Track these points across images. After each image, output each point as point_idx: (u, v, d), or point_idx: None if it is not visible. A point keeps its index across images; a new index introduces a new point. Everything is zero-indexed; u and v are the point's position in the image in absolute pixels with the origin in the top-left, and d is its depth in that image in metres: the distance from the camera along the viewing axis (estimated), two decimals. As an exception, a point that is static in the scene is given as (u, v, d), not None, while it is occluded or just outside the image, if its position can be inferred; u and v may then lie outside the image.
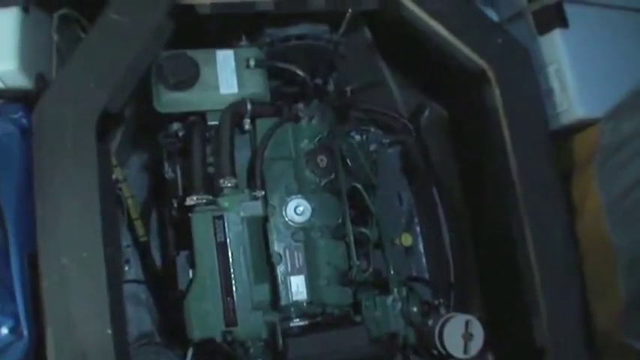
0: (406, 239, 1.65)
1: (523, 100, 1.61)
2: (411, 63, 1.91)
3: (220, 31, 1.71)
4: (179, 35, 1.60)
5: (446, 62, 1.68)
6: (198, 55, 1.52)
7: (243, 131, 1.54)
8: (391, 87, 2.00)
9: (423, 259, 2.05)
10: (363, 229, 1.56)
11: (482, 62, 1.61)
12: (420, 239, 2.07)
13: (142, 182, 1.96)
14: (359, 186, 1.56)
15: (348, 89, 1.80)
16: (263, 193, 1.45)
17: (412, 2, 1.59)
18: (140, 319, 1.89)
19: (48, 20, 1.57)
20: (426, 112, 1.99)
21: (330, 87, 1.86)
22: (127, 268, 1.78)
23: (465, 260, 1.90)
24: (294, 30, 1.67)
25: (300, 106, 1.54)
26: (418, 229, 2.07)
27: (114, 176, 1.67)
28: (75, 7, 1.63)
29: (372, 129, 1.91)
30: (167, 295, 1.78)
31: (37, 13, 1.52)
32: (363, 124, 1.89)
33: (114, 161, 1.67)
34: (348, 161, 1.63)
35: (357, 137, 1.80)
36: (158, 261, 1.89)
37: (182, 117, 1.57)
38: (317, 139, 1.55)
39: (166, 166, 1.66)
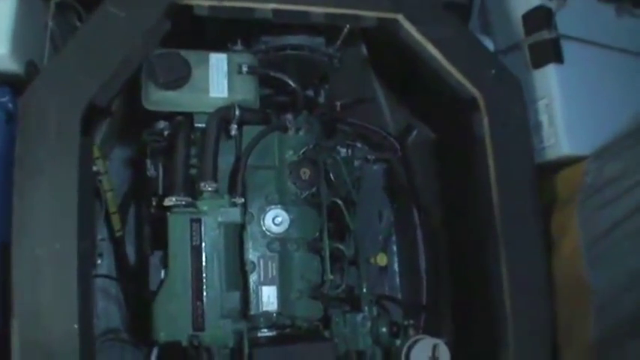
0: (382, 259, 1.66)
1: (511, 131, 1.63)
2: (403, 83, 1.93)
3: (216, 33, 1.73)
4: (175, 34, 1.62)
5: (438, 86, 1.70)
6: (191, 56, 1.52)
7: (229, 136, 1.54)
8: (382, 105, 2.03)
9: (397, 279, 2.09)
10: (340, 245, 1.57)
11: (474, 90, 1.63)
12: (395, 258, 2.11)
13: (123, 176, 1.97)
14: (339, 202, 1.57)
15: (338, 104, 1.82)
16: (243, 200, 1.46)
17: (410, 24, 1.61)
18: (108, 313, 1.90)
19: (44, 7, 1.57)
20: (414, 133, 2.02)
21: (321, 99, 1.88)
22: (99, 262, 1.77)
23: (439, 284, 1.93)
24: (290, 40, 1.68)
25: (289, 116, 1.56)
26: (395, 248, 2.12)
27: (95, 168, 1.67)
28: (72, -5, 1.63)
29: (359, 144, 1.93)
30: (137, 293, 1.78)
31: (35, -1, 1.53)
32: (349, 139, 1.91)
33: (97, 153, 1.68)
34: (332, 176, 1.64)
35: (343, 151, 1.82)
36: (132, 257, 1.90)
37: (169, 116, 1.58)
38: (302, 150, 1.56)
39: (148, 164, 1.67)
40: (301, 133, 1.57)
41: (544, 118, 1.69)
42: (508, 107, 1.64)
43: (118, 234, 1.83)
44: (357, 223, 1.65)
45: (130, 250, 1.90)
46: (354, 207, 1.68)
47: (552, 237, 1.65)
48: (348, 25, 1.66)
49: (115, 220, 1.80)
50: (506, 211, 1.58)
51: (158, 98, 1.50)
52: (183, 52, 1.52)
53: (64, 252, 1.31)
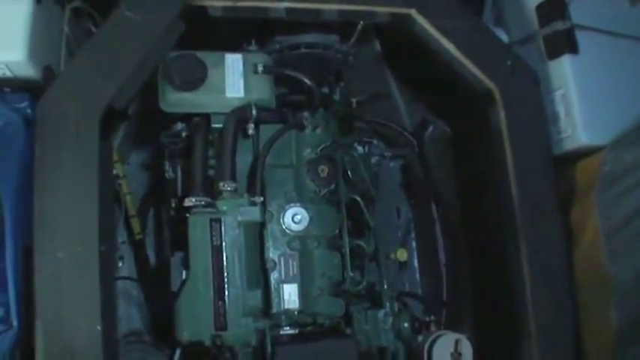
0: (402, 254, 1.65)
1: (528, 123, 1.61)
2: (418, 78, 1.92)
3: (231, 34, 1.72)
4: (190, 35, 1.61)
5: (453, 80, 1.68)
6: (206, 57, 1.52)
7: (246, 136, 1.54)
8: (397, 101, 2.01)
9: (417, 275, 2.07)
10: (360, 242, 1.56)
11: (489, 82, 1.61)
12: (415, 254, 2.09)
13: (141, 179, 1.96)
14: (358, 198, 1.56)
15: (354, 100, 1.80)
16: (262, 199, 1.45)
17: (424, 18, 1.59)
18: (130, 316, 1.89)
19: (60, 12, 1.58)
20: (430, 128, 2.00)
21: (336, 96, 1.87)
22: (120, 265, 1.77)
23: (459, 278, 1.91)
24: (304, 38, 1.68)
25: (305, 114, 1.55)
26: (414, 244, 2.10)
27: (114, 172, 1.68)
28: (87, 1, 1.63)
29: (375, 141, 1.92)
30: (159, 295, 1.78)
31: (50, 5, 1.53)
32: (366, 136, 1.90)
33: (115, 157, 1.68)
34: (349, 173, 1.63)
35: (360, 149, 1.81)
36: (152, 259, 1.90)
37: (186, 117, 1.58)
38: (320, 148, 1.55)
39: (167, 166, 1.67)
40: (318, 130, 1.57)
41: (561, 109, 1.67)
42: (524, 99, 1.62)
43: (137, 237, 1.83)
44: (376, 220, 1.64)
45: (151, 253, 1.91)
46: (373, 203, 1.66)
47: (572, 227, 1.62)
48: (361, 22, 1.65)
49: (135, 223, 1.81)
50: (525, 203, 1.56)
51: (175, 100, 1.50)
52: (199, 54, 1.52)
53: (86, 255, 1.31)
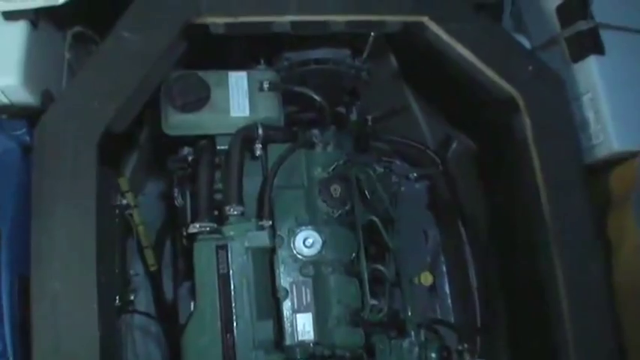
0: (426, 278, 1.51)
1: (555, 131, 1.47)
2: (437, 92, 1.79)
3: (239, 54, 1.63)
4: (198, 56, 1.53)
5: (473, 89, 1.56)
6: (210, 76, 1.43)
7: (255, 157, 1.43)
8: (417, 117, 1.89)
9: (449, 301, 1.92)
10: (379, 266, 1.42)
11: (511, 89, 1.48)
12: (445, 279, 1.94)
13: (158, 210, 1.87)
14: (376, 219, 1.43)
15: (369, 118, 1.69)
16: (270, 222, 1.34)
17: (437, 25, 1.47)
18: (149, 352, 1.78)
19: (61, 37, 1.52)
20: (454, 145, 1.86)
21: (354, 116, 1.76)
22: (131, 298, 1.67)
23: (492, 302, 1.75)
24: (313, 54, 1.58)
25: (315, 131, 1.44)
26: (444, 268, 1.95)
27: (125, 202, 1.59)
28: (90, 26, 1.57)
29: (397, 161, 1.79)
30: (175, 329, 1.67)
31: (50, 29, 1.47)
32: (387, 156, 1.78)
33: (126, 186, 1.60)
34: (367, 193, 1.50)
35: (379, 169, 1.68)
36: (171, 292, 1.79)
37: (193, 141, 1.48)
38: (332, 167, 1.43)
39: (176, 193, 1.57)
40: (329, 148, 1.45)
41: (590, 114, 1.52)
42: (550, 105, 1.48)
43: (152, 269, 1.73)
44: (398, 242, 1.50)
45: (169, 285, 1.80)
46: (393, 225, 1.53)
47: (610, 240, 1.46)
48: (372, 33, 1.55)
49: (149, 254, 1.71)
50: (558, 216, 1.41)
51: (177, 122, 1.41)
52: (201, 73, 1.43)
53: (83, 286, 1.22)
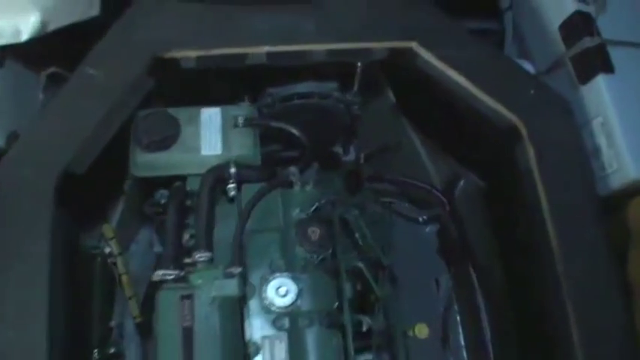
0: (421, 330, 1.31)
1: (563, 161, 1.28)
2: (438, 125, 1.63)
3: (224, 90, 1.52)
4: (181, 93, 1.44)
5: (473, 120, 1.40)
6: (180, 113, 1.31)
7: (231, 199, 1.29)
8: (420, 153, 1.72)
9: (464, 353, 1.70)
10: (365, 317, 1.24)
11: (511, 116, 1.31)
12: (459, 330, 1.73)
13: (150, 258, 1.74)
14: (361, 265, 1.25)
15: (362, 155, 1.53)
16: (240, 269, 1.18)
17: (427, 51, 1.33)
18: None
19: (34, 78, 1.44)
20: (461, 183, 1.69)
21: (351, 156, 1.61)
22: (112, 350, 1.52)
23: (509, 355, 1.53)
24: (297, 88, 1.44)
25: (293, 169, 1.29)
26: (458, 318, 1.74)
27: (108, 250, 1.47)
28: (67, 66, 1.48)
29: (404, 203, 1.62)
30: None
31: (19, 69, 1.39)
32: (390, 196, 1.62)
33: (110, 233, 1.47)
34: (357, 236, 1.34)
35: (376, 210, 1.52)
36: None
37: (168, 183, 1.35)
38: (312, 207, 1.27)
39: (154, 239, 1.44)
40: (309, 188, 1.29)
41: (601, 140, 1.33)
42: (556, 132, 1.30)
43: (137, 320, 1.58)
44: (389, 291, 1.32)
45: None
46: (384, 272, 1.35)
47: (631, 281, 1.24)
48: (359, 63, 1.41)
49: (133, 304, 1.57)
50: (570, 259, 1.21)
51: (145, 162, 1.29)
52: (172, 110, 1.31)
53: (33, 337, 1.08)
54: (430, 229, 1.77)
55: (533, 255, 1.33)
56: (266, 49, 1.31)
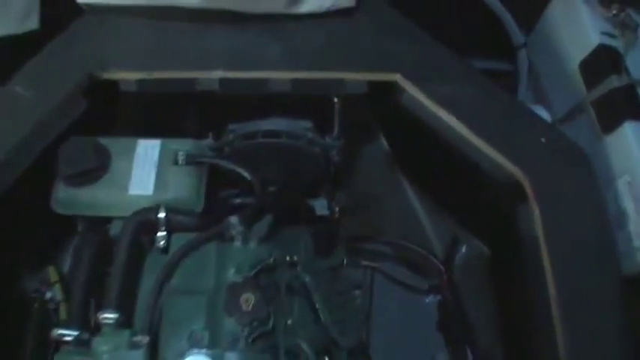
0: None
1: (577, 228, 0.97)
2: (435, 178, 1.35)
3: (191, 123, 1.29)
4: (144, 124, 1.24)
5: (469, 172, 1.11)
6: (114, 143, 1.08)
7: (164, 250, 1.03)
8: (416, 210, 1.44)
9: None
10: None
11: (515, 170, 1.02)
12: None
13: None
14: (304, 347, 0.96)
15: (337, 208, 1.26)
16: (148, 339, 0.91)
17: (413, 85, 1.06)
18: None
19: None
20: (463, 249, 1.38)
21: (335, 210, 1.33)
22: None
23: None
24: (262, 125, 1.19)
25: (234, 219, 1.01)
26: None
27: (50, 295, 1.21)
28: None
29: (376, 264, 1.33)
30: None
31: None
32: (366, 259, 1.33)
33: (55, 277, 1.22)
34: (318, 308, 1.05)
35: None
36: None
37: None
38: (255, 269, 0.99)
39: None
40: (253, 244, 1.01)
41: (628, 205, 1.01)
42: (570, 191, 1.00)
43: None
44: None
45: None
46: (343, 353, 1.05)
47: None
48: (335, 99, 1.16)
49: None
50: (578, 352, 0.89)
51: (66, 197, 1.05)
52: (105, 140, 1.08)
53: None
54: (430, 300, 1.47)
55: (538, 342, 1.02)
56: (218, 74, 1.07)
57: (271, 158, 1.22)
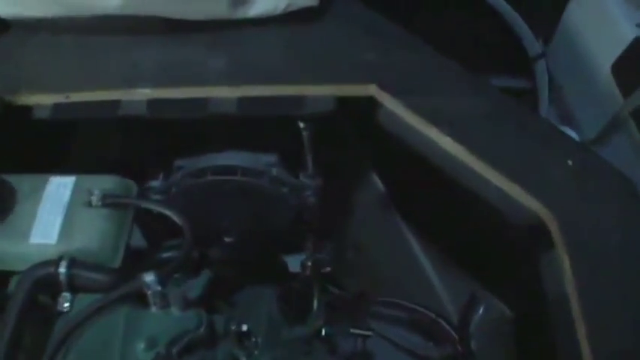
0: None
1: (618, 282, 0.66)
2: (439, 223, 1.05)
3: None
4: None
5: (476, 210, 0.82)
6: (24, 181, 0.83)
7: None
8: (422, 264, 1.14)
9: None
10: None
11: (535, 204, 0.73)
12: None
13: None
14: None
15: (309, 263, 0.97)
16: None
17: (393, 99, 0.80)
18: None
19: None
20: (480, 311, 1.07)
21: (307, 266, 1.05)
22: None
23: None
24: (216, 160, 0.94)
25: (150, 277, 0.73)
26: None
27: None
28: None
29: (369, 332, 1.03)
30: None
31: None
32: (357, 324, 1.03)
33: None
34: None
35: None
36: None
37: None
38: (175, 344, 0.71)
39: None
40: (175, 309, 0.74)
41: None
42: (609, 233, 0.69)
43: None
44: None
45: None
46: None
47: None
48: (301, 124, 0.89)
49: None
50: None
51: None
52: (13, 177, 0.84)
53: None
54: (448, 374, 1.16)
55: None
56: (146, 93, 0.83)
57: (226, 201, 0.97)
